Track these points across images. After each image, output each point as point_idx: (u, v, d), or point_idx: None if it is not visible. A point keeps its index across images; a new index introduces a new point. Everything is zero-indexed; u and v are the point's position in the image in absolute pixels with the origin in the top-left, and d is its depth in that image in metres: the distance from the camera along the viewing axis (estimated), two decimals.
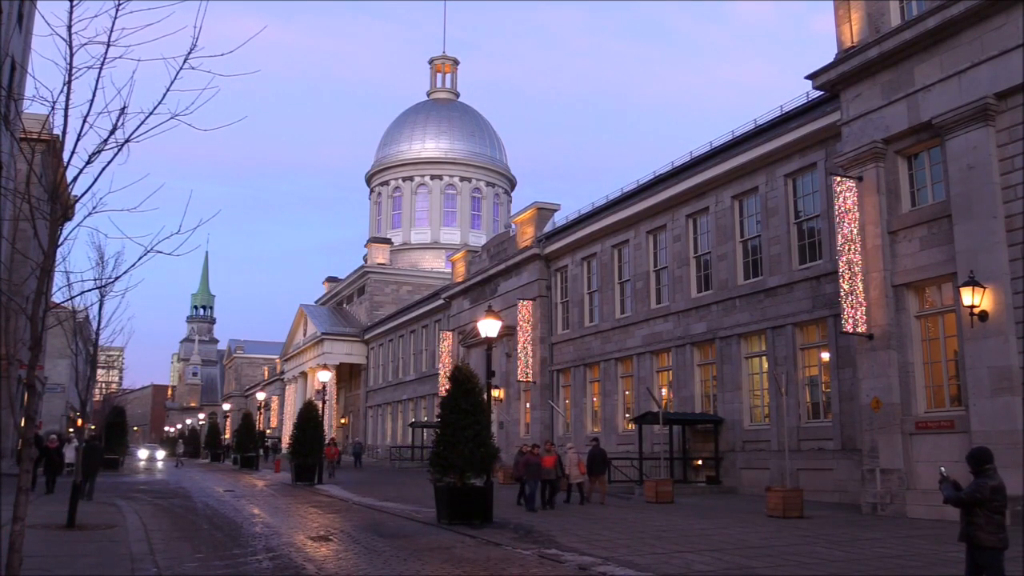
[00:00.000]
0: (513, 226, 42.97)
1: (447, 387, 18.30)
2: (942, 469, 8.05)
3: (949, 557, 12.07)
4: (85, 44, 7.90)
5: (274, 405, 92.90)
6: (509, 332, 38.05)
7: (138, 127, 8.10)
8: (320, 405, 37.57)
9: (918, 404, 18.19)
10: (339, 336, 68.21)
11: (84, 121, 7.98)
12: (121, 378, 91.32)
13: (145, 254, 9.10)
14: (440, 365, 47.74)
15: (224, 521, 18.50)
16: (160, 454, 79.41)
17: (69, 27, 7.83)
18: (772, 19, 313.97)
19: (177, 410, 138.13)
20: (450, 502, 17.16)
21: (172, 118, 8.09)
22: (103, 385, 70.87)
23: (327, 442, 37.01)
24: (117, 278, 16.58)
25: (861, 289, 19.20)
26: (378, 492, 26.87)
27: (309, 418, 33.99)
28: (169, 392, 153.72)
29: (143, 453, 77.83)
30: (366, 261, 70.95)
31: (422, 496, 22.87)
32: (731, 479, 25.91)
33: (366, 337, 67.05)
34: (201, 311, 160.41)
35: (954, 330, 17.57)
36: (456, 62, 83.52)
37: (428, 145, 75.17)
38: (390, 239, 72.68)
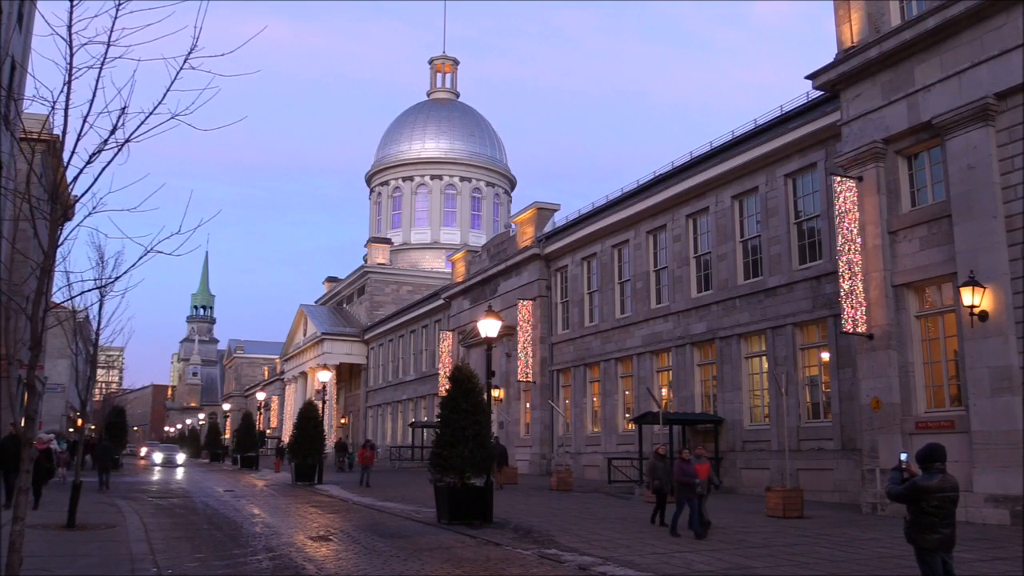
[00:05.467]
0: (513, 226, 42.99)
1: (447, 387, 18.30)
2: (902, 456, 7.91)
3: None
4: (85, 44, 7.89)
5: (274, 405, 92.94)
6: (509, 332, 38.06)
7: (138, 127, 8.09)
8: (320, 405, 37.57)
9: (918, 404, 18.19)
10: (339, 336, 68.23)
11: (84, 121, 7.98)
12: (121, 378, 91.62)
13: (145, 254, 9.10)
14: (440, 365, 47.76)
15: (224, 521, 18.50)
16: (180, 456, 57.97)
17: (69, 27, 7.82)
18: (789, 20, 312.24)
19: (177, 410, 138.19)
20: (450, 502, 17.17)
21: (172, 118, 8.08)
22: (103, 385, 70.94)
23: (362, 443, 34.27)
24: (117, 278, 16.61)
25: (861, 289, 19.20)
26: (378, 492, 26.87)
27: (309, 418, 34.00)
28: (169, 392, 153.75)
29: (157, 456, 57.15)
30: (366, 261, 70.98)
31: (422, 496, 22.87)
32: (731, 479, 25.90)
33: (366, 337, 67.05)
34: (201, 311, 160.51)
35: (954, 330, 17.57)
36: (456, 62, 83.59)
37: (428, 145, 75.21)
38: (390, 239, 72.72)
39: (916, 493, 7.36)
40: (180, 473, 45.62)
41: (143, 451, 74.47)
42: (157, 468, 50.57)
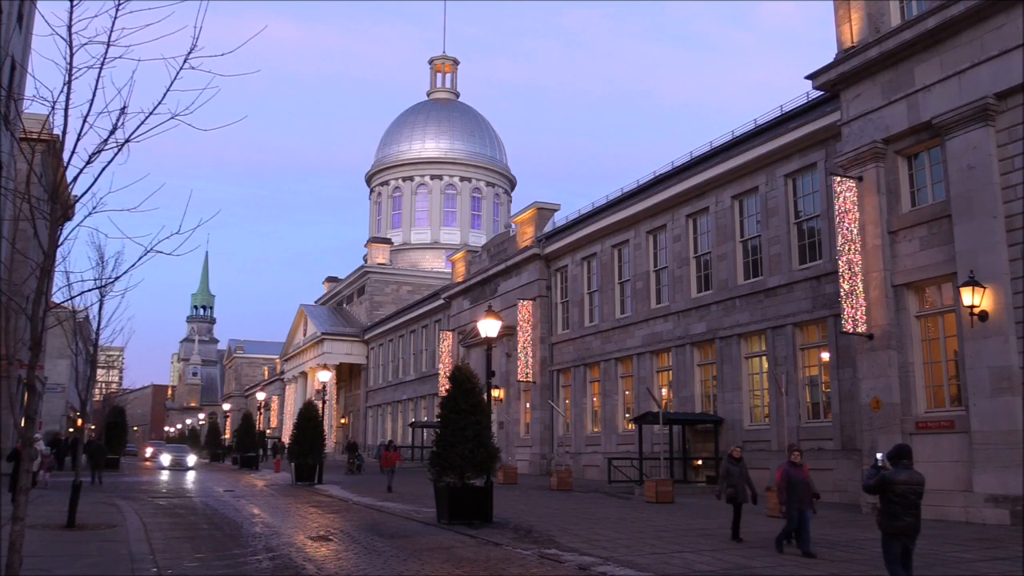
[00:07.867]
0: (513, 226, 43.00)
1: (447, 387, 18.29)
2: (878, 456, 8.84)
3: (948, 557, 12.08)
4: (85, 44, 7.90)
5: (274, 405, 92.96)
6: (509, 332, 38.07)
7: (138, 127, 8.10)
8: (320, 405, 37.56)
9: (918, 404, 18.19)
10: (339, 336, 68.27)
11: (84, 121, 7.98)
12: (121, 378, 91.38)
13: (145, 254, 9.12)
14: (440, 365, 47.76)
15: (224, 521, 18.49)
16: (191, 458, 50.51)
17: (69, 27, 7.83)
18: (795, 21, 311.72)
19: (177, 410, 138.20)
20: (450, 502, 17.16)
21: (172, 118, 8.09)
22: (103, 385, 70.74)
23: (385, 444, 31.41)
24: (117, 278, 16.66)
25: (861, 289, 19.19)
26: (378, 492, 26.85)
27: (309, 418, 33.99)
28: (169, 392, 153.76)
29: (165, 458, 50.81)
30: (366, 261, 71.02)
31: (422, 496, 22.87)
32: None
33: (366, 337, 67.07)
34: (201, 311, 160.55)
35: (954, 330, 17.56)
36: (456, 62, 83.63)
37: (428, 145, 75.24)
38: (390, 239, 72.75)
39: (884, 484, 8.31)
40: (192, 478, 39.34)
41: (148, 451, 71.29)
42: (165, 471, 46.51)
